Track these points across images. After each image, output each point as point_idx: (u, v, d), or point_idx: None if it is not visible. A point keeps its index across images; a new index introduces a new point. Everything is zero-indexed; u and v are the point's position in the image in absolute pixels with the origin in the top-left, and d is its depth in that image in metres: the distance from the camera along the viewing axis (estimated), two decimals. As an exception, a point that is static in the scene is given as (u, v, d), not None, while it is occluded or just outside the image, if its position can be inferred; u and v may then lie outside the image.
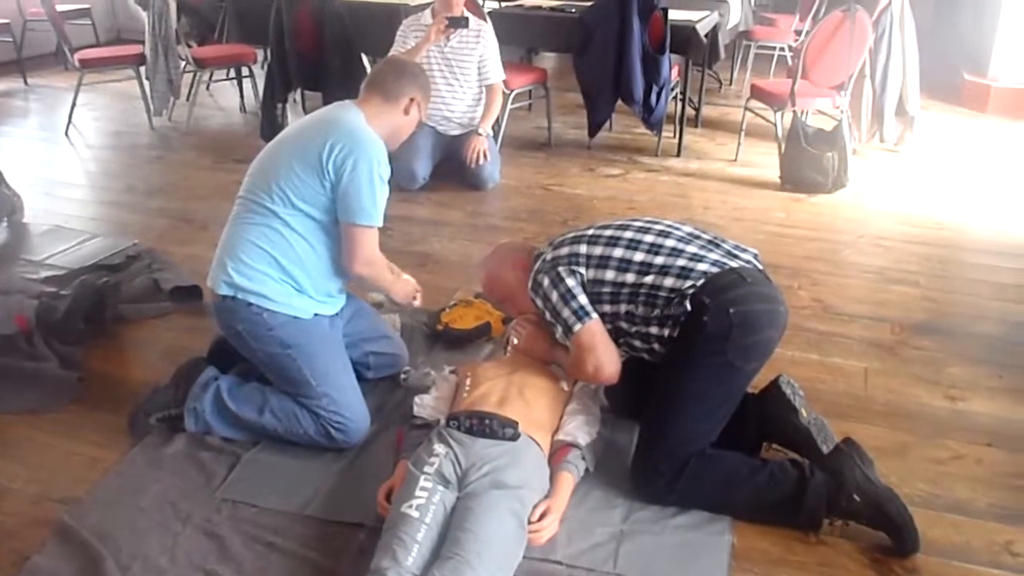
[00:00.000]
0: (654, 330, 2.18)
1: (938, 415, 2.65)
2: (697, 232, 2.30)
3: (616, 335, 2.25)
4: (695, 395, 2.14)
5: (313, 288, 2.44)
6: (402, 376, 2.72)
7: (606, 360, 2.21)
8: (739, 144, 5.18)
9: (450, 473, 2.03)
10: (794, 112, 4.74)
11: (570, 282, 2.21)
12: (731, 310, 2.08)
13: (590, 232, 2.30)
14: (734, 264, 2.18)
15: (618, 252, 2.21)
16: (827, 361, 2.94)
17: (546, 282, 2.24)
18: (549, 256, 2.29)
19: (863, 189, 4.62)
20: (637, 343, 2.25)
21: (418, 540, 1.87)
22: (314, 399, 2.36)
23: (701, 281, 2.11)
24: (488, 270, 2.53)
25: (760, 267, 2.25)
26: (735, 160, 5.12)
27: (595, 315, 2.20)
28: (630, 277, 2.18)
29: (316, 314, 2.45)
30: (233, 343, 2.47)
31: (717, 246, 2.25)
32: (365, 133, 2.38)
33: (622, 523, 2.14)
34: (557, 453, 2.21)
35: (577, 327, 2.19)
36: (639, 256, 2.19)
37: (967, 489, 2.32)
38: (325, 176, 2.32)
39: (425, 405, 2.36)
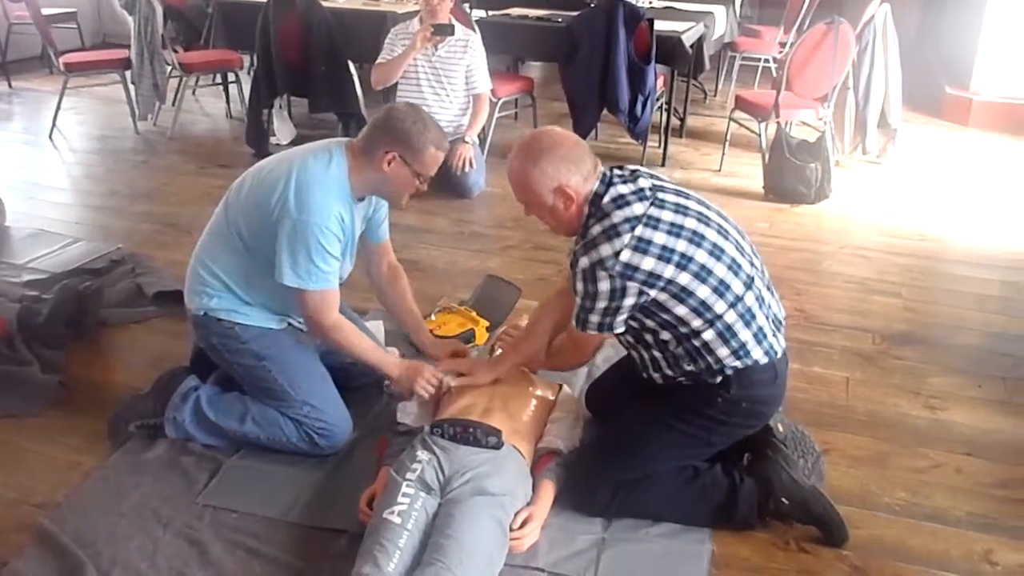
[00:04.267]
0: (668, 372, 2.14)
1: (918, 424, 2.68)
2: (757, 268, 2.11)
3: (634, 340, 2.15)
4: (667, 442, 2.16)
5: (278, 308, 2.42)
6: (386, 383, 2.71)
7: (579, 364, 2.42)
8: (723, 154, 5.20)
9: (432, 480, 2.03)
10: (778, 123, 4.77)
11: (628, 302, 1.98)
12: (744, 404, 2.11)
13: (682, 236, 1.98)
14: (779, 352, 2.11)
15: (702, 292, 1.98)
16: (808, 371, 2.96)
17: (604, 284, 1.95)
18: (625, 256, 1.93)
19: (846, 200, 4.66)
20: (646, 357, 2.18)
21: (400, 546, 1.87)
22: (295, 408, 2.35)
23: (746, 365, 2.06)
24: (525, 168, 2.05)
25: (785, 341, 2.18)
26: (719, 170, 5.14)
27: (614, 332, 2.10)
28: (696, 323, 2.01)
29: (289, 324, 2.46)
30: (211, 356, 2.47)
31: (772, 294, 2.16)
32: (316, 198, 2.19)
33: (603, 531, 2.15)
34: (539, 461, 2.21)
35: (591, 331, 2.08)
36: (720, 307, 1.99)
37: (946, 498, 2.34)
38: (272, 216, 2.22)
39: (409, 412, 2.36)
